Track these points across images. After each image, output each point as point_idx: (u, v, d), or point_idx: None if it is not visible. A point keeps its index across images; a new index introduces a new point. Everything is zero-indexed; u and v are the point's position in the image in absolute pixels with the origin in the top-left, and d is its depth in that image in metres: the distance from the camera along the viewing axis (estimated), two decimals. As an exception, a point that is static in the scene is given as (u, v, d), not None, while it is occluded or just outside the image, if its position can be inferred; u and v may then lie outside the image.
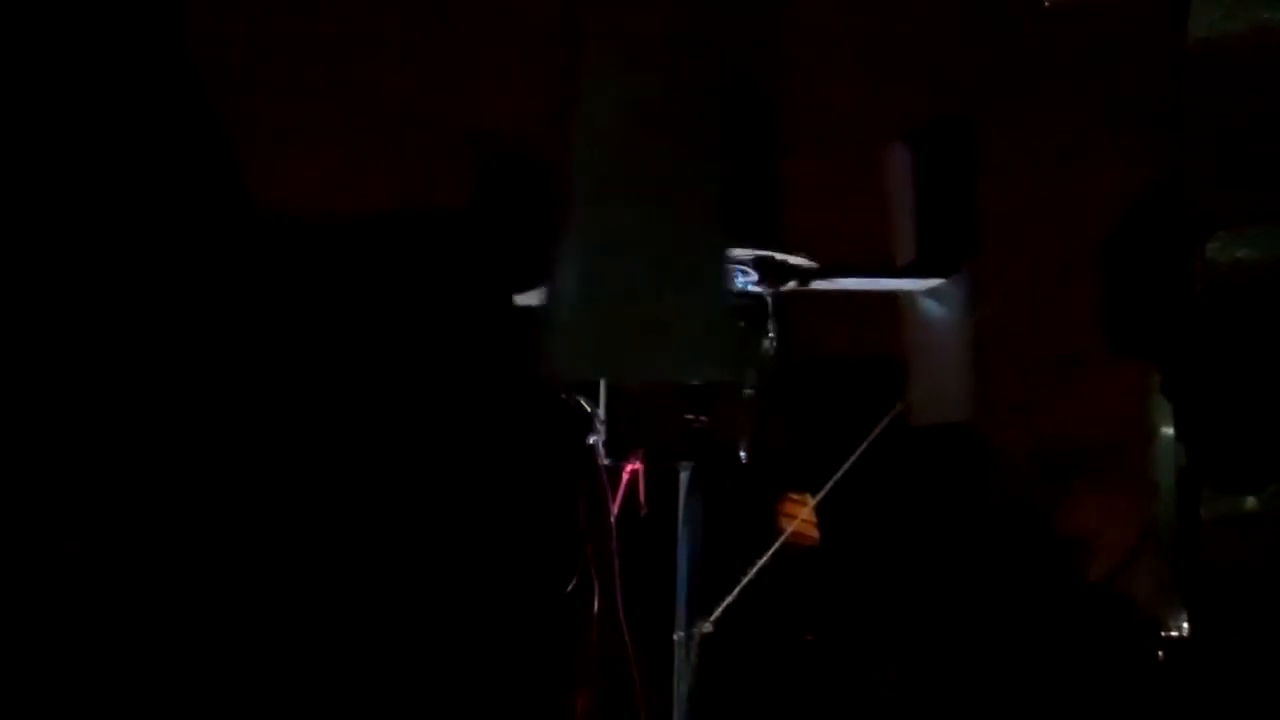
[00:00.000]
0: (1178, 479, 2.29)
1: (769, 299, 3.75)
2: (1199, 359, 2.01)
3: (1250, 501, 1.96)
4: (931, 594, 5.43)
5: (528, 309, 3.81)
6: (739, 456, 3.77)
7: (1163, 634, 5.28)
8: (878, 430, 3.86)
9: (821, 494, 4.11)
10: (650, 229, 3.24)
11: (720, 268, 3.39)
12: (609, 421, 3.71)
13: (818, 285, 3.86)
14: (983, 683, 5.29)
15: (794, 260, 3.78)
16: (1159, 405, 2.56)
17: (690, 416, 3.73)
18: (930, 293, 4.01)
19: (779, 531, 4.56)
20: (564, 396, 3.75)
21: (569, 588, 3.84)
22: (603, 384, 3.72)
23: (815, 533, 5.29)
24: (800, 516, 4.83)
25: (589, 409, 3.73)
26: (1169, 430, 2.32)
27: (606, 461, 3.74)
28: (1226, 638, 1.98)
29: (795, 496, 4.80)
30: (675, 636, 3.68)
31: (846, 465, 3.91)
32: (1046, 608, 5.52)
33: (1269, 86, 1.96)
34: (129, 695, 4.90)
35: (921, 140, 4.00)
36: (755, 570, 3.75)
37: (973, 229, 3.95)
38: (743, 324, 3.76)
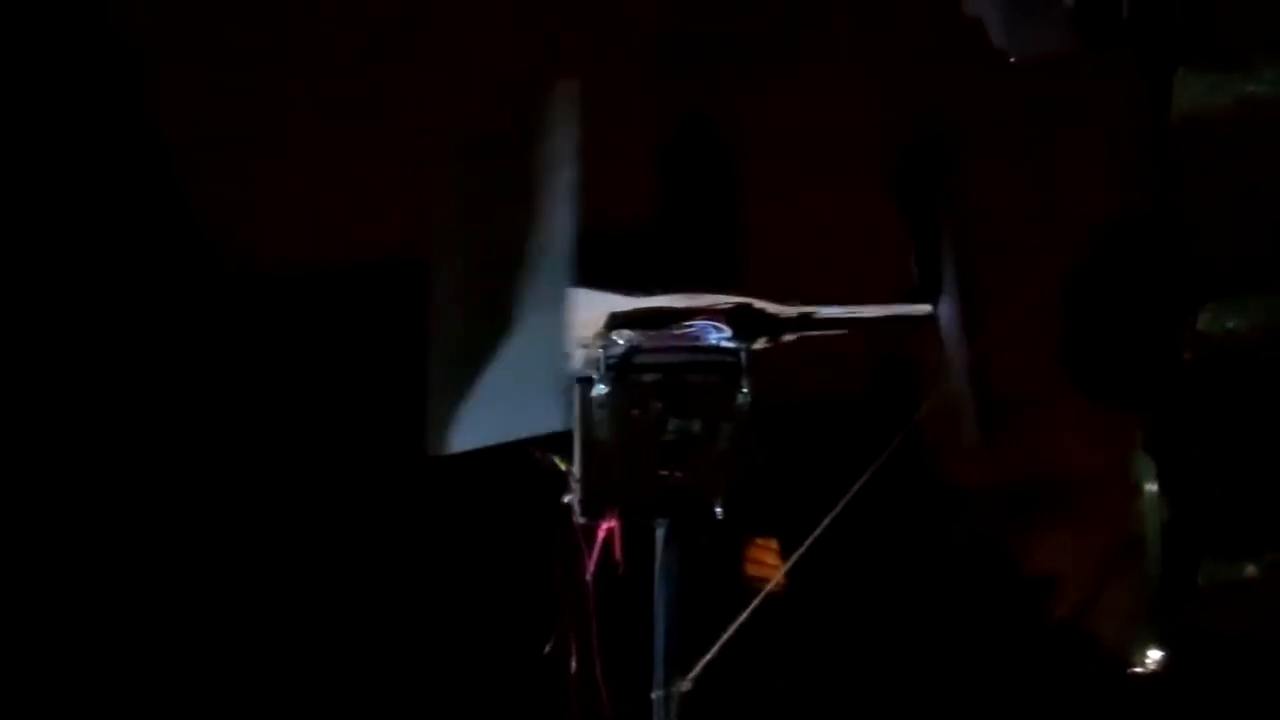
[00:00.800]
0: (1163, 535, 2.30)
1: (742, 354, 3.74)
2: (1191, 428, 2.03)
3: (1250, 569, 1.98)
4: (898, 633, 5.43)
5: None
6: (714, 512, 3.76)
7: (1129, 671, 5.30)
8: (865, 477, 3.86)
9: (805, 547, 4.10)
10: (493, 298, 3.34)
11: (556, 327, 3.42)
12: (583, 479, 3.69)
13: (789, 338, 3.86)
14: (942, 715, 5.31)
15: (772, 308, 3.78)
16: (1142, 461, 2.58)
17: (665, 472, 3.72)
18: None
19: (746, 578, 4.56)
20: (537, 455, 3.73)
21: (546, 649, 3.81)
22: (576, 441, 3.71)
23: (781, 576, 5.28)
24: (765, 561, 4.83)
25: (563, 467, 3.71)
26: (1153, 486, 2.33)
27: (581, 520, 3.72)
28: (1225, 704, 1.99)
29: (762, 542, 4.79)
30: (653, 695, 3.66)
31: (831, 516, 3.92)
32: (1013, 647, 5.53)
33: (1254, 159, 1.98)
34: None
35: (907, 165, 4.02)
36: (735, 627, 3.73)
37: (954, 259, 3.94)
38: (716, 379, 3.76)
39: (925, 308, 3.94)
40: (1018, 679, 5.43)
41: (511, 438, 3.60)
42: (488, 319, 3.42)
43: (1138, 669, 5.34)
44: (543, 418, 3.52)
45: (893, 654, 5.42)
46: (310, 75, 5.33)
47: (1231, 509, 2.01)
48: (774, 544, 4.73)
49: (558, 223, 3.43)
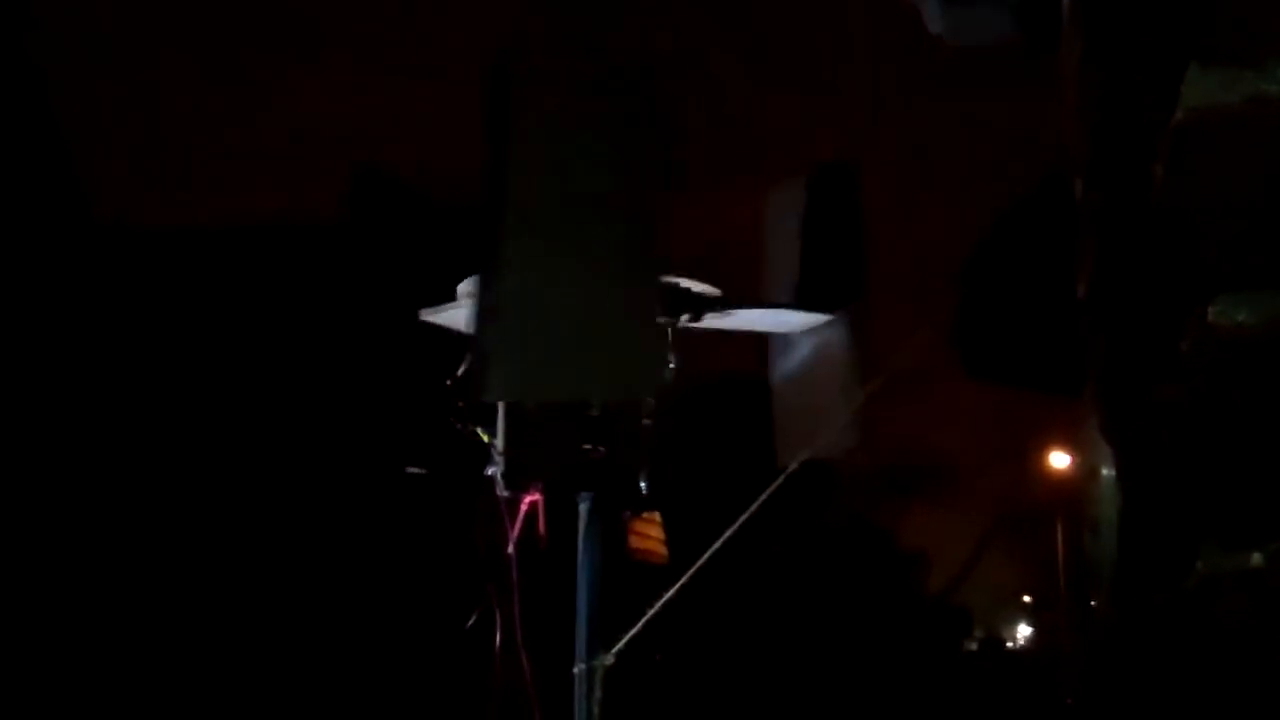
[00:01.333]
0: (1120, 520, 2.32)
1: (668, 330, 3.73)
2: (1196, 418, 2.06)
3: (1255, 558, 2.01)
4: (777, 605, 5.49)
5: (425, 331, 3.79)
6: (638, 486, 3.75)
7: (1005, 645, 5.40)
8: (777, 484, 3.88)
9: (717, 545, 4.11)
10: (584, 257, 3.24)
11: (654, 292, 3.39)
12: (506, 452, 3.65)
13: (710, 322, 3.85)
14: (828, 692, 5.37)
15: (698, 287, 3.77)
16: (1098, 448, 2.59)
17: (588, 446, 3.69)
18: (808, 330, 4.04)
19: (630, 550, 4.56)
20: (460, 427, 3.69)
21: (469, 622, 3.77)
22: (500, 414, 3.67)
23: (664, 550, 5.30)
24: (648, 534, 4.83)
25: (486, 440, 3.67)
26: (1110, 472, 2.35)
27: (505, 493, 3.69)
28: (1225, 691, 2.02)
29: (645, 515, 4.80)
30: (576, 669, 3.65)
31: (748, 514, 3.94)
32: (888, 620, 5.62)
33: (1264, 155, 2.01)
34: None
35: (815, 177, 4.03)
36: (661, 603, 3.73)
37: (863, 266, 3.98)
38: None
39: (826, 317, 3.98)
40: (891, 651, 5.51)
41: (593, 398, 3.54)
42: (572, 275, 3.28)
43: (1009, 643, 5.44)
44: (637, 384, 3.42)
45: (775, 628, 5.48)
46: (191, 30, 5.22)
47: (1235, 498, 2.05)
48: (656, 518, 4.74)
49: (647, 186, 3.32)
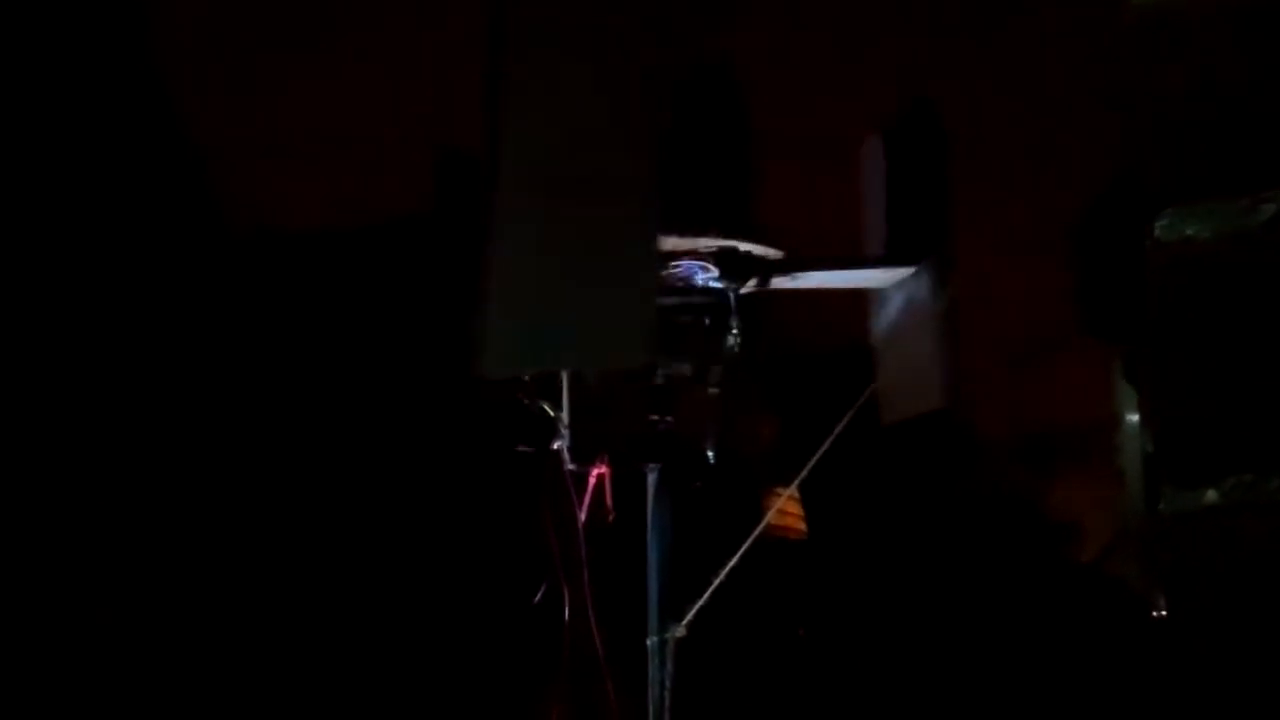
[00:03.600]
0: (1144, 466, 2.22)
1: (731, 295, 3.68)
2: (1154, 344, 1.95)
3: (1210, 495, 1.89)
4: (921, 583, 5.38)
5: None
6: (706, 456, 3.71)
7: (1154, 614, 5.23)
8: (846, 420, 3.79)
9: (795, 482, 4.03)
10: (578, 222, 3.20)
11: (647, 258, 3.34)
12: (573, 426, 3.64)
13: (778, 284, 3.78)
14: (976, 670, 5.24)
15: (758, 250, 3.71)
16: (1123, 391, 2.50)
17: (655, 417, 3.66)
18: (898, 285, 3.94)
19: (767, 526, 4.50)
20: (526, 402, 3.68)
21: (538, 596, 3.77)
22: (565, 388, 3.65)
23: (802, 525, 5.24)
24: (784, 509, 4.78)
25: (552, 414, 3.66)
26: (1133, 416, 2.25)
27: (572, 466, 3.68)
28: (1192, 632, 1.91)
29: (781, 490, 4.74)
30: (648, 641, 3.62)
31: (818, 454, 3.84)
32: (1038, 592, 5.48)
33: (1211, 50, 1.89)
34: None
35: (890, 129, 3.94)
36: (726, 572, 3.67)
37: (943, 218, 3.88)
38: (706, 321, 3.70)
39: (908, 270, 3.88)
40: (1041, 625, 5.37)
41: (585, 365, 3.52)
42: (566, 243, 3.27)
43: (1162, 612, 5.27)
44: (628, 350, 3.39)
45: (916, 604, 5.38)
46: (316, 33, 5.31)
47: (1192, 432, 1.93)
48: (794, 493, 4.69)
49: (643, 151, 3.30)
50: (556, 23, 3.17)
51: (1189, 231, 1.88)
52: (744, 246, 3.70)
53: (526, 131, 3.14)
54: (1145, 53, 1.90)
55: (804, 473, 3.77)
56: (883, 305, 4.04)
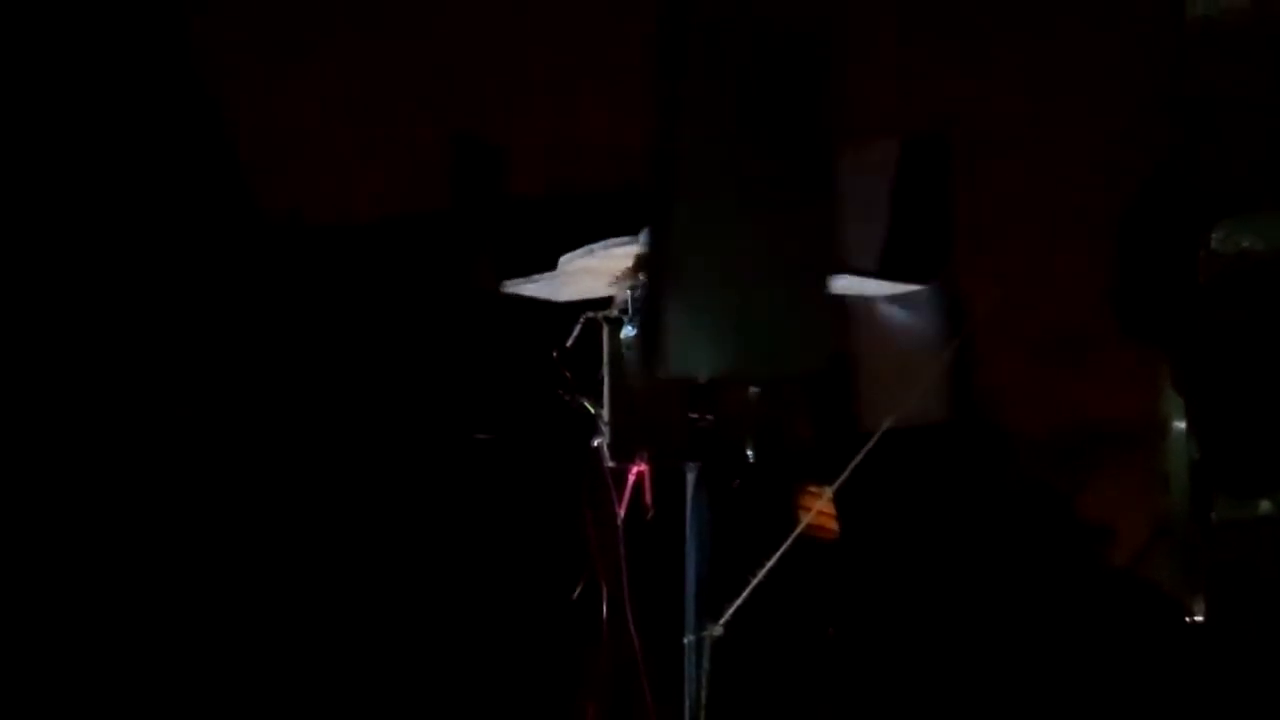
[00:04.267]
0: (1190, 473, 2.21)
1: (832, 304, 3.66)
2: (1205, 354, 1.94)
3: (1264, 505, 1.88)
4: (954, 584, 5.37)
5: (526, 303, 3.80)
6: (745, 455, 3.71)
7: (1187, 619, 5.23)
8: (888, 424, 3.79)
9: (835, 485, 4.04)
10: (756, 230, 3.21)
11: (826, 267, 3.35)
12: (613, 422, 3.65)
13: None
14: (1006, 673, 5.24)
15: None
16: (1170, 398, 2.49)
17: (694, 415, 3.67)
18: (898, 299, 3.97)
19: (798, 524, 4.50)
20: (566, 398, 3.69)
21: (575, 594, 3.77)
22: (606, 384, 3.66)
23: (834, 525, 5.23)
24: (818, 509, 4.78)
25: (592, 410, 3.67)
26: (1180, 424, 2.24)
27: (611, 463, 3.68)
28: (1240, 637, 1.91)
29: (814, 489, 4.75)
30: (685, 640, 3.62)
31: (858, 458, 3.85)
32: (1069, 595, 5.47)
33: (1271, 65, 1.88)
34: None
35: (904, 144, 3.95)
36: (765, 571, 3.68)
37: (949, 236, 3.90)
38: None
39: (921, 287, 3.89)
40: (1072, 629, 5.36)
41: (766, 375, 3.53)
42: (745, 247, 3.27)
43: (1197, 617, 5.27)
44: (806, 357, 3.40)
45: (944, 606, 5.37)
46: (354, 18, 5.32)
47: (1245, 442, 1.92)
48: (826, 490, 4.69)
49: (817, 151, 3.29)
50: (729, 26, 3.16)
51: (1245, 243, 1.87)
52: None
53: (703, 135, 3.14)
54: (1205, 62, 1.89)
55: (845, 475, 3.77)
56: (869, 314, 4.05)
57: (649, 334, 3.33)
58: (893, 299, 3.91)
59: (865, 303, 3.99)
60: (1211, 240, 1.82)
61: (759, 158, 3.26)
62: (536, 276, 3.73)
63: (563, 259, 3.70)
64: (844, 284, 3.82)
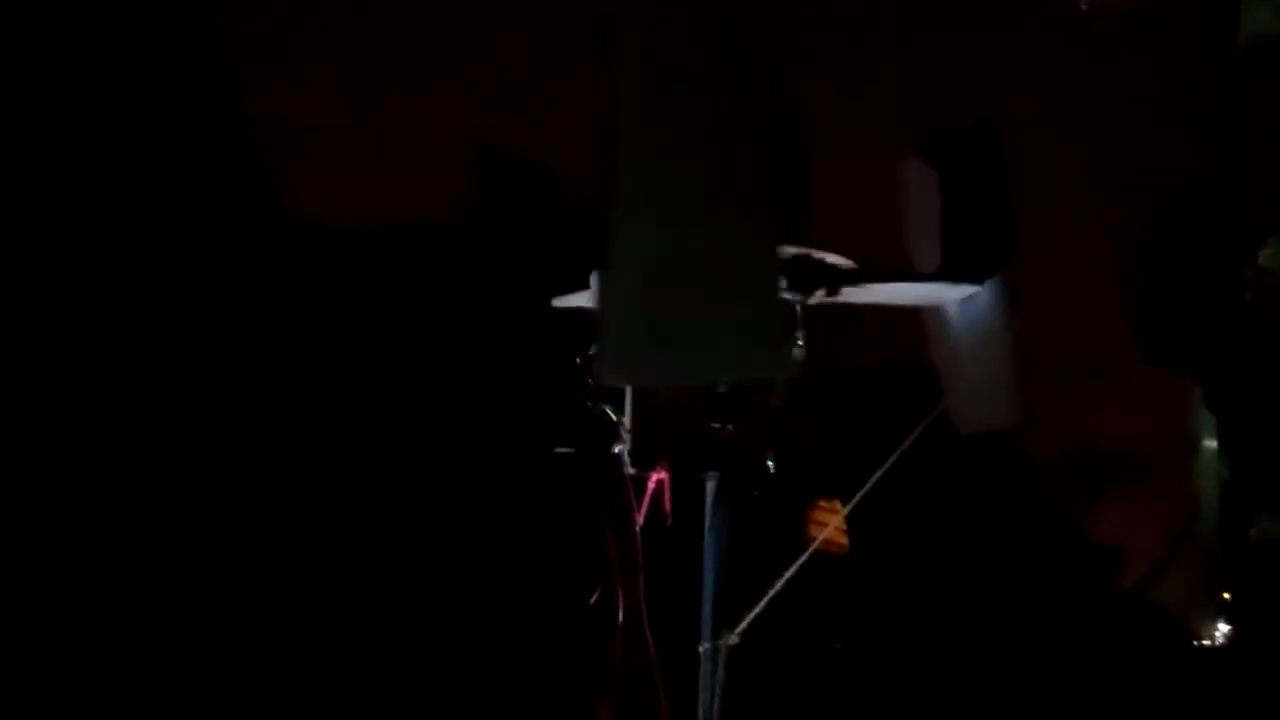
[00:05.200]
0: (1221, 493, 2.23)
1: (797, 306, 3.69)
2: (1247, 371, 1.95)
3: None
4: (963, 601, 5.38)
5: (558, 314, 3.80)
6: (765, 465, 3.72)
7: (1195, 643, 5.23)
8: (911, 439, 3.80)
9: (853, 503, 4.05)
10: (703, 236, 3.20)
11: (773, 270, 3.34)
12: (634, 431, 3.66)
13: (846, 296, 3.79)
14: (1014, 690, 5.25)
15: (831, 259, 3.72)
16: (1202, 417, 2.50)
17: (716, 425, 3.68)
18: (963, 301, 3.95)
19: (809, 539, 4.52)
20: (589, 405, 3.71)
21: (593, 599, 3.79)
22: (628, 393, 3.68)
23: (845, 540, 5.24)
24: (830, 524, 4.79)
25: (614, 418, 3.68)
26: (1212, 443, 2.26)
27: (631, 471, 3.70)
28: (1266, 657, 1.92)
29: (825, 504, 4.76)
30: (701, 648, 3.63)
31: (879, 474, 3.86)
32: (1078, 616, 5.47)
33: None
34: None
35: (955, 143, 3.94)
36: (783, 582, 3.69)
37: (1009, 234, 3.88)
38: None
39: (973, 288, 3.89)
40: (1081, 648, 5.37)
41: (716, 380, 3.52)
42: (687, 250, 3.26)
43: (1205, 641, 5.28)
44: (763, 364, 3.38)
45: (954, 622, 5.38)
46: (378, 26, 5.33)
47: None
48: (838, 505, 4.70)
49: (763, 155, 3.29)
50: (667, 36, 3.17)
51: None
52: (817, 255, 3.71)
53: (642, 142, 3.14)
54: (1253, 83, 1.91)
55: (865, 490, 3.79)
56: (944, 323, 4.04)
57: (597, 341, 3.29)
58: (961, 303, 3.90)
59: (936, 310, 3.97)
60: (1260, 257, 1.84)
61: (698, 161, 3.25)
62: (579, 293, 3.73)
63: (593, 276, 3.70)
64: (898, 292, 3.82)
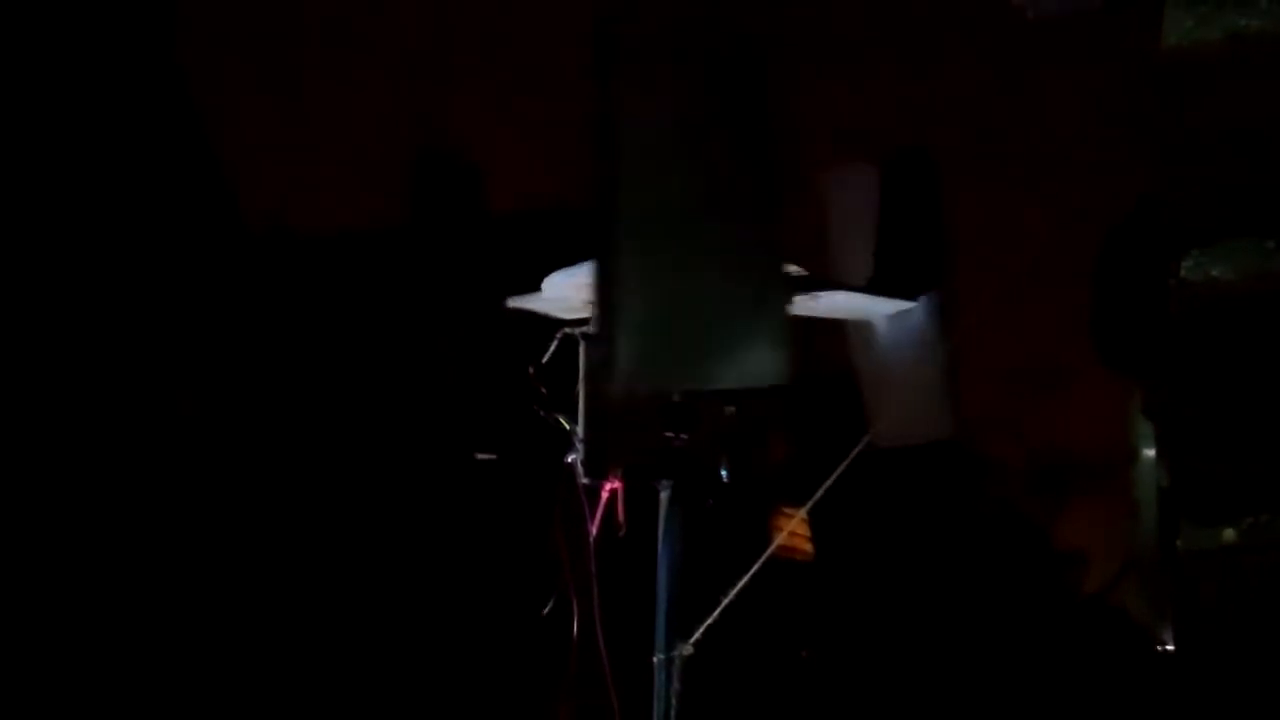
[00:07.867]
0: (1159, 501, 2.22)
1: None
2: (1174, 382, 1.95)
3: (1228, 534, 1.89)
4: (926, 608, 5.38)
5: (510, 318, 3.79)
6: (720, 474, 3.71)
7: (1157, 648, 5.23)
8: (859, 448, 3.79)
9: (806, 506, 4.04)
10: (711, 243, 3.19)
11: (779, 278, 3.33)
12: (587, 439, 3.64)
13: (799, 304, 3.78)
14: (978, 696, 5.24)
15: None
16: (1140, 426, 2.50)
17: (670, 434, 3.67)
18: (892, 317, 3.97)
19: (771, 545, 4.50)
20: (542, 414, 3.69)
21: (547, 610, 3.77)
22: (581, 401, 3.66)
23: (809, 546, 5.23)
24: (792, 530, 4.78)
25: (567, 427, 3.66)
26: (1150, 451, 2.25)
27: (585, 480, 3.68)
28: (1206, 667, 1.92)
29: (789, 511, 4.75)
30: (655, 659, 3.62)
31: (831, 480, 3.84)
32: (1041, 621, 5.47)
33: (1243, 96, 1.90)
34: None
35: (892, 159, 3.95)
36: (736, 591, 3.68)
37: (942, 252, 3.90)
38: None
39: (909, 303, 3.90)
40: (1043, 654, 5.37)
41: (721, 385, 3.49)
42: (689, 257, 3.25)
43: (1168, 646, 5.28)
44: (761, 370, 3.36)
45: (917, 629, 5.37)
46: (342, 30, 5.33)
47: (1211, 471, 1.93)
48: (802, 514, 4.69)
49: (760, 162, 3.27)
50: (661, 46, 3.15)
51: (1214, 272, 1.88)
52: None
53: (641, 155, 3.12)
54: (1175, 93, 1.90)
55: (818, 495, 3.77)
56: (870, 337, 4.05)
57: (601, 349, 3.28)
58: (891, 318, 3.90)
59: (863, 324, 3.97)
60: (1181, 269, 1.84)
61: (699, 172, 3.24)
62: (532, 296, 3.72)
63: (546, 281, 3.70)
64: (839, 303, 3.81)
